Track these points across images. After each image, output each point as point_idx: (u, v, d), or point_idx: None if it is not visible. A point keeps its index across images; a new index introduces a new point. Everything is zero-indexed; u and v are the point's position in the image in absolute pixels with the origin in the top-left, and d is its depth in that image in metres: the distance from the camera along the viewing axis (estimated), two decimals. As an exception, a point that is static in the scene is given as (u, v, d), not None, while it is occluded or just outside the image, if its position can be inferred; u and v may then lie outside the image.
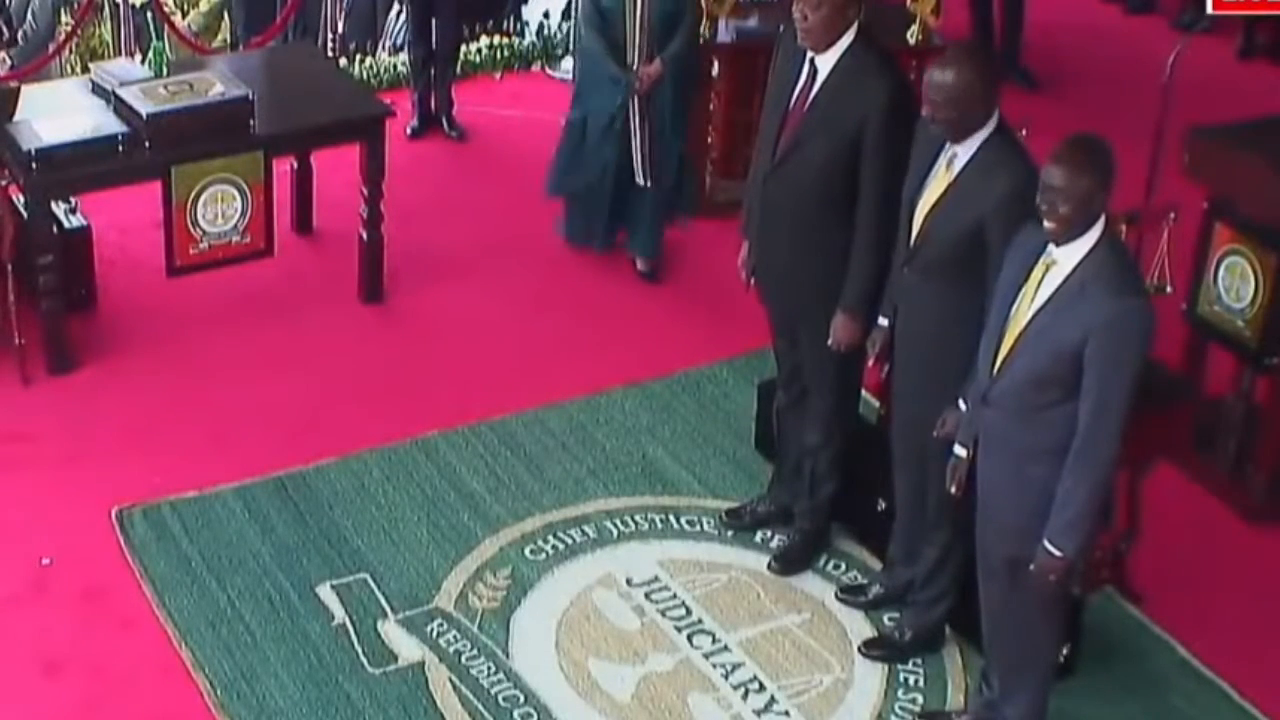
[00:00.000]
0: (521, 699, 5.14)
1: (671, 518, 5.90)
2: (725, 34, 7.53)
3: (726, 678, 5.26)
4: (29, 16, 8.42)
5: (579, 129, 7.07)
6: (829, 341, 5.26)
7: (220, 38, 8.89)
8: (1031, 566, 4.47)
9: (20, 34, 8.40)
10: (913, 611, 5.37)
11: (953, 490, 4.74)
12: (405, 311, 6.98)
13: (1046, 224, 4.30)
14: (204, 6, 8.78)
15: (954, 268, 4.79)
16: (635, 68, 6.81)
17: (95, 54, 8.39)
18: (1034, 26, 9.12)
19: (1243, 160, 5.92)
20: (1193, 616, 5.58)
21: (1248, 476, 6.10)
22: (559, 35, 9.19)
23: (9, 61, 8.01)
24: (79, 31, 8.22)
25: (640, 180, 6.95)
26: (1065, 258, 4.33)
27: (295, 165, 7.30)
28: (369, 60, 8.80)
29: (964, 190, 4.73)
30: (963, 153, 4.74)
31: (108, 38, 8.56)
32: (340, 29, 9.10)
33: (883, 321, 5.14)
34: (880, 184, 5.05)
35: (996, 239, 4.63)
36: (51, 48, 8.30)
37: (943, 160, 4.80)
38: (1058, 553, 4.41)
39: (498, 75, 9.00)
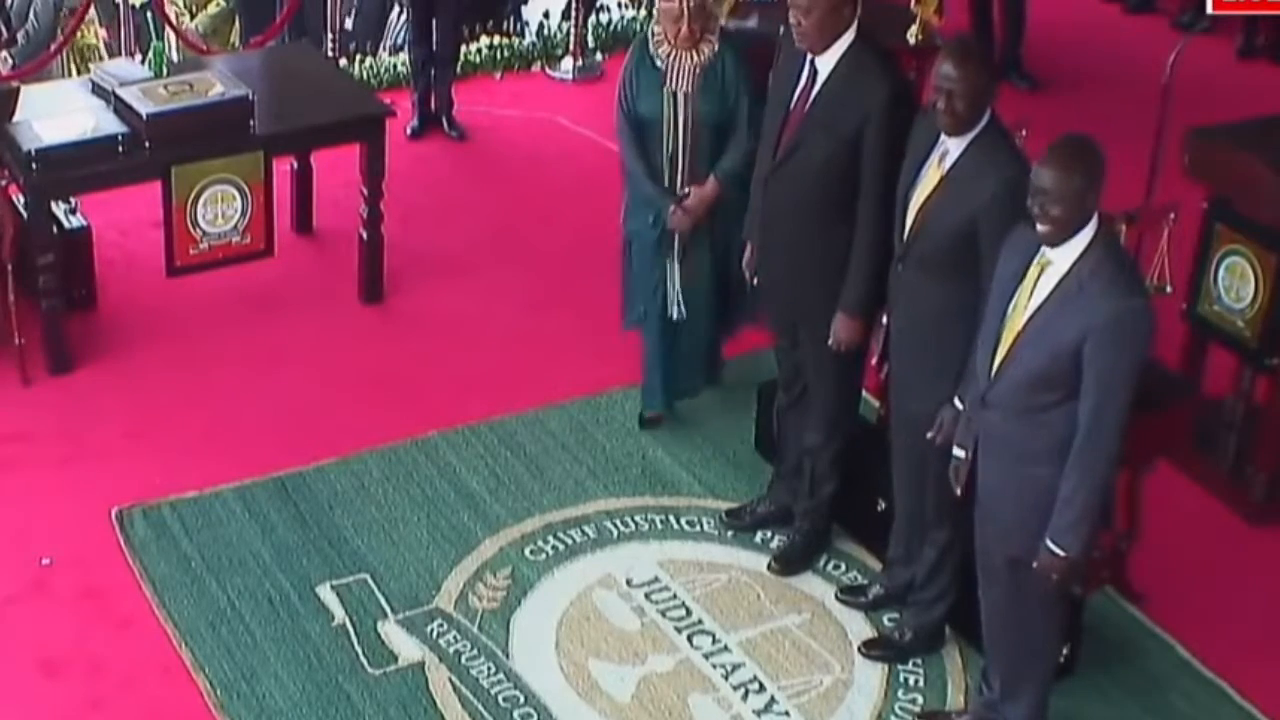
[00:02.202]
0: (521, 699, 5.14)
1: (671, 518, 5.90)
2: (725, 34, 7.50)
3: (726, 678, 5.25)
4: (31, 16, 8.42)
5: (627, 250, 6.13)
6: (830, 342, 5.26)
7: (230, 42, 8.89)
8: (1035, 565, 4.47)
9: (22, 34, 8.41)
10: (913, 611, 5.37)
11: (957, 492, 4.74)
12: (405, 311, 6.98)
13: (1040, 227, 4.29)
14: (212, 9, 8.78)
15: (948, 263, 4.79)
16: (680, 188, 5.78)
17: (84, 57, 8.39)
18: (1034, 26, 9.12)
19: (1243, 160, 5.91)
20: (1193, 616, 5.58)
21: (1248, 476, 6.10)
22: (559, 35, 9.20)
23: (10, 61, 8.01)
24: (74, 34, 8.23)
25: (675, 314, 6.02)
26: (1060, 258, 4.33)
27: (295, 165, 7.30)
28: (369, 60, 8.80)
29: (956, 186, 4.74)
30: (954, 148, 4.74)
31: (92, 40, 8.56)
32: (349, 27, 9.12)
33: (885, 321, 5.15)
34: (880, 184, 5.04)
35: (989, 235, 4.63)
36: (53, 48, 8.30)
37: (935, 155, 4.80)
38: (1061, 552, 4.41)
39: (498, 75, 9.01)
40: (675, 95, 5.69)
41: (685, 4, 5.61)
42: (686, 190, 5.78)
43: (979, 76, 4.65)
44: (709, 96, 5.70)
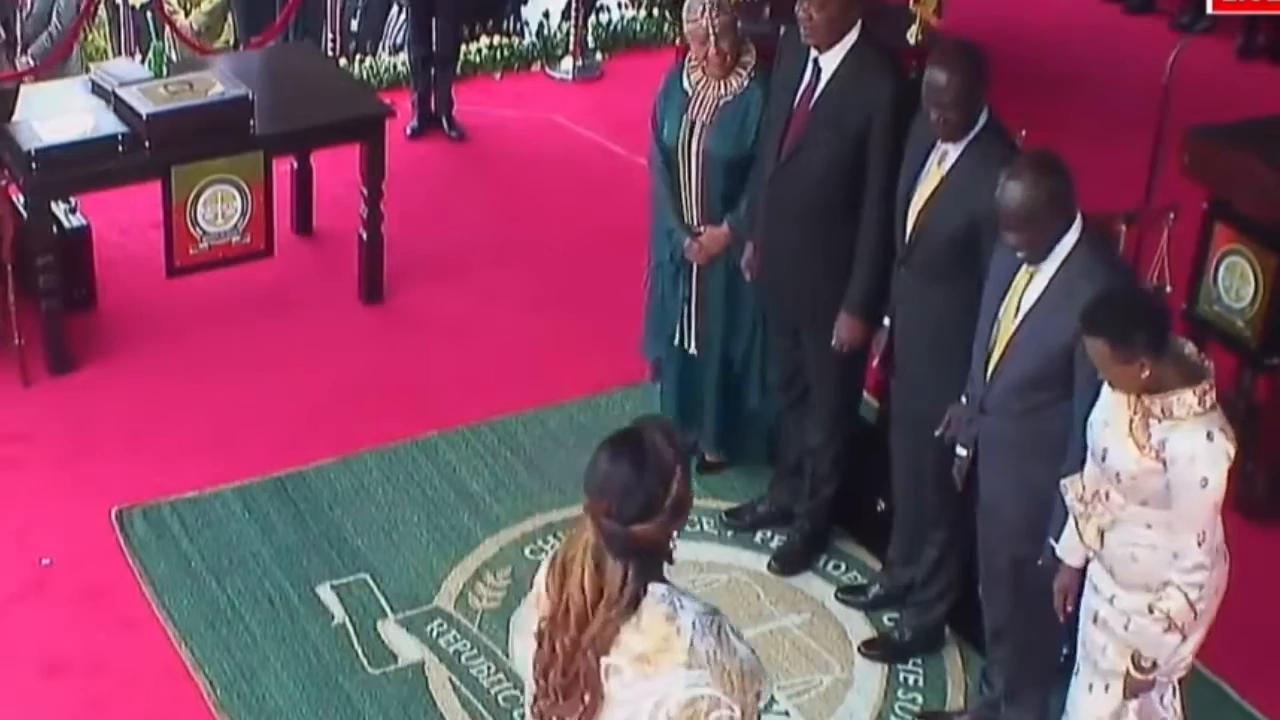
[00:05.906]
0: (521, 699, 5.13)
1: (671, 518, 5.89)
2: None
3: (726, 678, 5.25)
4: (54, 19, 8.44)
5: (653, 279, 5.93)
6: (833, 342, 5.26)
7: (223, 39, 8.90)
8: (1039, 562, 4.47)
9: (45, 36, 8.43)
10: (912, 611, 5.37)
11: (959, 486, 4.74)
12: (405, 311, 6.98)
13: (1009, 242, 4.30)
14: (206, 6, 8.79)
15: (948, 265, 4.78)
16: (695, 225, 5.61)
17: (93, 59, 8.40)
18: (1034, 26, 9.12)
19: (1242, 160, 5.91)
20: (1193, 616, 5.56)
21: (1248, 475, 6.09)
22: (559, 35, 9.20)
23: (32, 64, 8.03)
24: (79, 30, 8.24)
25: (691, 349, 5.83)
26: (1046, 262, 4.33)
27: (295, 165, 7.30)
28: (369, 60, 8.81)
29: (955, 188, 4.73)
30: (953, 150, 4.73)
31: (102, 43, 8.56)
32: (354, 28, 9.13)
33: (888, 322, 5.14)
34: (885, 183, 5.02)
35: (990, 237, 4.62)
36: (62, 46, 8.33)
37: (934, 157, 4.79)
38: (1065, 549, 4.42)
39: (498, 75, 9.00)
40: (694, 124, 5.47)
41: (711, 23, 5.35)
42: (701, 227, 5.59)
43: (968, 81, 4.62)
44: (724, 132, 5.44)
